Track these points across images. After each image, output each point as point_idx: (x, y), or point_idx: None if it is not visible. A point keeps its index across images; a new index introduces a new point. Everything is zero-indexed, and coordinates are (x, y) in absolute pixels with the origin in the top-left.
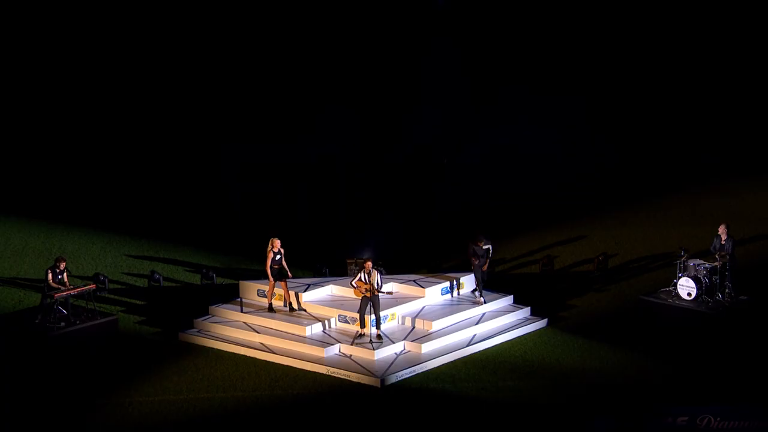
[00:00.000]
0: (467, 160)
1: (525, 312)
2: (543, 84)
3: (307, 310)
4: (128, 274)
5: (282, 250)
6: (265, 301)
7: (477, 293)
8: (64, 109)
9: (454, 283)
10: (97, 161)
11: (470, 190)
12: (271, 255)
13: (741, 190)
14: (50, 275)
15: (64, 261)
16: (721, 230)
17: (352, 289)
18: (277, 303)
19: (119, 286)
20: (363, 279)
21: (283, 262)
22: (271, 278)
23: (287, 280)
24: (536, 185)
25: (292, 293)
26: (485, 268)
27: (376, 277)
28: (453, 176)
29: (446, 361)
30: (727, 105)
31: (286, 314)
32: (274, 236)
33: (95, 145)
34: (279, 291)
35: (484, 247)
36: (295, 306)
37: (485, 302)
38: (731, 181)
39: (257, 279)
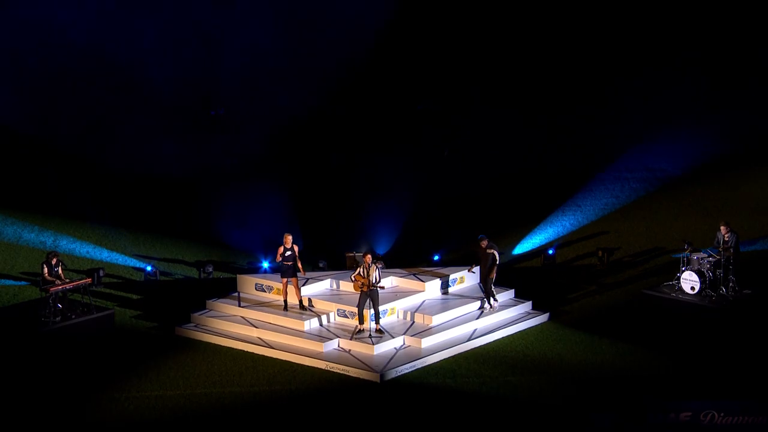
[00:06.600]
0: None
1: (526, 306)
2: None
3: (314, 309)
4: (125, 267)
5: (295, 247)
6: (263, 296)
7: (481, 303)
8: (58, 103)
9: (455, 277)
10: (90, 154)
11: (471, 180)
12: (281, 250)
13: (745, 181)
14: (45, 269)
15: (56, 256)
16: (723, 230)
17: (351, 284)
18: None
19: (115, 280)
20: (362, 273)
21: (297, 260)
22: (281, 274)
23: (298, 277)
24: (538, 178)
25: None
26: (492, 275)
27: (375, 271)
28: (453, 167)
29: (446, 356)
30: (729, 95)
31: (284, 309)
32: (287, 232)
33: (88, 138)
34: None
35: (489, 251)
36: (305, 304)
37: (490, 307)
38: (735, 173)
39: (255, 273)
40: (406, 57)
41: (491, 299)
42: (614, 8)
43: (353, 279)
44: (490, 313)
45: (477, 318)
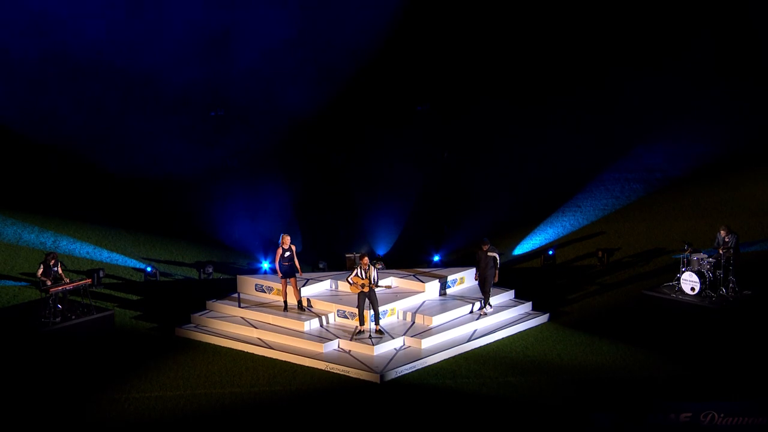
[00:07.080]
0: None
1: (526, 307)
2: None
3: (313, 309)
4: (125, 267)
5: (293, 247)
6: (263, 297)
7: (481, 304)
8: (59, 102)
9: (455, 278)
10: (91, 154)
11: (471, 181)
12: (279, 251)
13: (745, 182)
14: (41, 269)
15: (55, 257)
16: (722, 233)
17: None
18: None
19: (115, 281)
20: (359, 274)
21: (295, 260)
22: (279, 274)
23: (297, 278)
24: (538, 179)
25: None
26: (496, 279)
27: (373, 272)
28: (453, 167)
29: (446, 357)
30: (729, 96)
31: (284, 310)
32: (285, 233)
33: (89, 138)
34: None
35: (490, 254)
36: (304, 305)
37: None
38: (735, 174)
39: (255, 274)
40: (407, 57)
41: (486, 302)
42: (615, 8)
43: (349, 281)
44: (483, 316)
45: (477, 319)
